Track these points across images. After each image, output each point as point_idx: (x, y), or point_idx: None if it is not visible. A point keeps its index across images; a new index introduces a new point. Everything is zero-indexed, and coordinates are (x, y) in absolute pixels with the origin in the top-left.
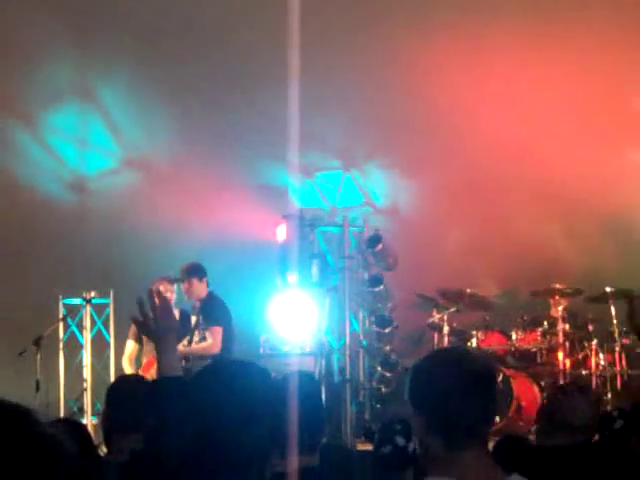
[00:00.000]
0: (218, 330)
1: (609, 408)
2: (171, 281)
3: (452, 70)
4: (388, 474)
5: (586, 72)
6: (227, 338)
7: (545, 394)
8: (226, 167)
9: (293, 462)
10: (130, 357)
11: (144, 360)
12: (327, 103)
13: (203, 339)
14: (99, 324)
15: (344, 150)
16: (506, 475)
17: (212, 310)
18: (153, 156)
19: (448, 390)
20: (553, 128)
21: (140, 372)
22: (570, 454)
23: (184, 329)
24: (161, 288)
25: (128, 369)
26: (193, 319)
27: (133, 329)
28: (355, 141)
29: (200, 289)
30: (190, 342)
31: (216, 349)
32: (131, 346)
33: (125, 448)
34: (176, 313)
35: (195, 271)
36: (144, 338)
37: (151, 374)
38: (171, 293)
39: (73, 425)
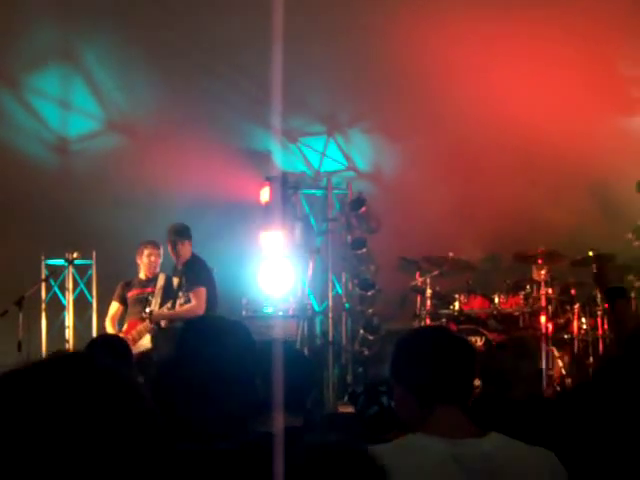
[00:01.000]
0: (202, 291)
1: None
2: (157, 245)
3: (437, 36)
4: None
5: (572, 38)
6: (210, 300)
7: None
8: (209, 130)
9: (278, 421)
10: (113, 318)
11: (127, 322)
12: (312, 67)
13: (188, 301)
14: (81, 285)
15: (328, 115)
16: (485, 432)
17: (195, 272)
18: (136, 118)
19: (424, 362)
20: (539, 93)
21: (122, 334)
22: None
23: (168, 294)
24: (146, 252)
25: (110, 330)
26: (175, 280)
27: (118, 290)
28: (339, 106)
29: (185, 250)
30: (174, 304)
31: (200, 310)
32: (115, 307)
33: None
34: (161, 278)
35: (181, 232)
36: (128, 300)
37: (132, 335)
38: (156, 257)
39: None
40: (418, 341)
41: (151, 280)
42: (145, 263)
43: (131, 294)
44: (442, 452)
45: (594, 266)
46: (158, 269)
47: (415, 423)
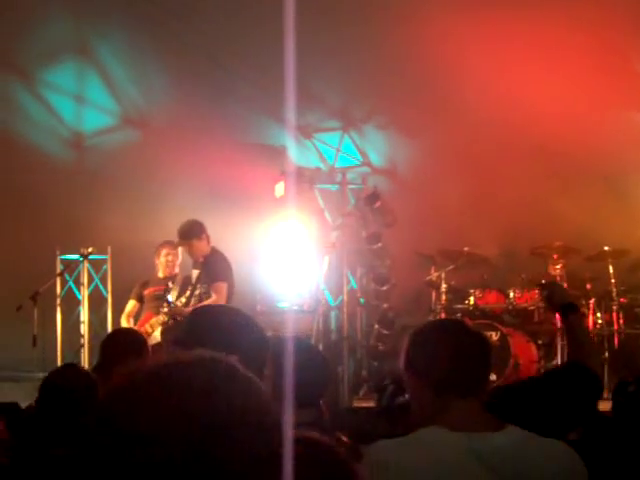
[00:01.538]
0: (222, 286)
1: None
2: (174, 245)
3: (452, 30)
4: (392, 427)
5: (586, 33)
6: (229, 294)
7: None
8: (224, 125)
9: (290, 416)
10: (129, 315)
11: (142, 316)
12: (326, 63)
13: (205, 294)
14: (96, 280)
15: (343, 110)
16: (501, 425)
17: (215, 266)
18: (151, 113)
19: (442, 354)
20: (553, 87)
21: (135, 327)
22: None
23: (186, 286)
24: (164, 252)
25: (125, 325)
26: (194, 273)
27: (136, 289)
28: (354, 102)
29: (201, 247)
30: (191, 296)
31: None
32: (131, 305)
33: None
34: (179, 278)
35: (190, 232)
36: (145, 297)
37: (145, 328)
38: (174, 257)
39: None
40: (435, 333)
41: (169, 279)
42: (162, 263)
43: (148, 292)
44: (458, 446)
45: (543, 292)
46: (177, 269)
47: (430, 416)
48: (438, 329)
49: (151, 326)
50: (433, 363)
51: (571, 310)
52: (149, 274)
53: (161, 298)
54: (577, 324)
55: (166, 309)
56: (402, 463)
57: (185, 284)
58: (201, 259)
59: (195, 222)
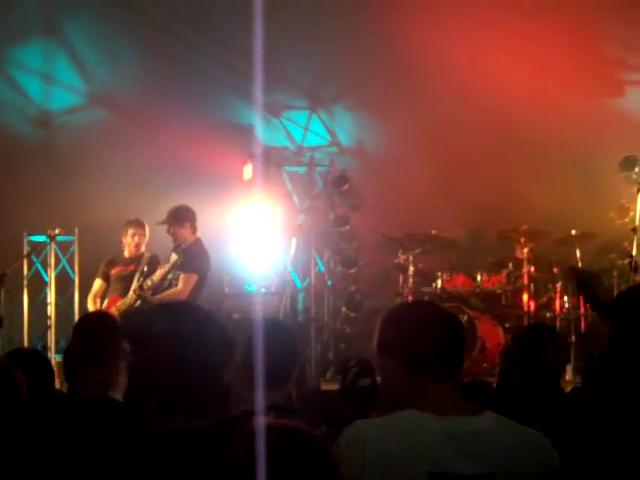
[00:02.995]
0: (192, 278)
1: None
2: (141, 224)
3: (421, 14)
4: (356, 411)
5: (557, 18)
6: (197, 287)
7: (515, 334)
8: (193, 104)
9: (261, 399)
10: (95, 295)
11: (108, 298)
12: (295, 42)
13: (175, 281)
14: (64, 262)
15: (311, 90)
16: (478, 410)
17: (194, 256)
18: (118, 92)
19: (415, 335)
20: (522, 72)
21: (105, 307)
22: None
23: (150, 272)
24: (130, 231)
25: (92, 307)
26: (172, 257)
27: (102, 268)
28: (323, 81)
29: (184, 235)
30: (163, 279)
31: (182, 296)
32: (98, 284)
33: (91, 382)
34: (146, 257)
35: (175, 217)
36: (111, 277)
37: (112, 312)
38: (140, 237)
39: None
40: (407, 315)
41: (135, 259)
42: (129, 242)
43: (114, 271)
44: (434, 429)
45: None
46: (143, 248)
47: (406, 399)
48: (411, 311)
49: (118, 309)
50: (407, 345)
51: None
52: (116, 254)
53: (128, 279)
54: None
55: (135, 291)
56: (378, 445)
57: (152, 264)
58: (183, 246)
59: (185, 209)
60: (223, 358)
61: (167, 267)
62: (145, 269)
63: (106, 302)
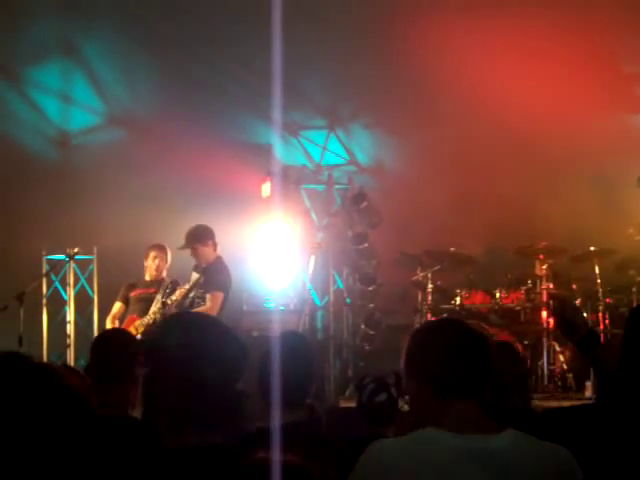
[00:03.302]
0: (219, 296)
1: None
2: (163, 248)
3: (438, 32)
4: (373, 428)
5: (574, 35)
6: (222, 305)
7: (528, 353)
8: (210, 123)
9: (277, 418)
10: (114, 317)
11: (127, 318)
12: (313, 61)
13: (199, 299)
14: (82, 280)
15: (329, 109)
16: (500, 428)
17: (217, 274)
18: (137, 112)
19: (442, 354)
20: (539, 89)
21: (124, 326)
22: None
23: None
24: (152, 254)
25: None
26: (194, 276)
27: (122, 291)
28: (340, 100)
29: (206, 253)
30: (185, 297)
31: (213, 314)
32: (117, 307)
33: (109, 400)
34: (167, 281)
35: (196, 237)
36: (131, 299)
37: (130, 331)
38: (161, 260)
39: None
40: (434, 333)
41: (155, 282)
42: (150, 265)
43: (134, 294)
44: (456, 447)
45: (555, 310)
46: (164, 273)
47: (429, 417)
48: (438, 329)
49: (136, 328)
50: (433, 364)
51: (593, 344)
52: (135, 274)
53: (148, 300)
54: (603, 359)
55: (159, 308)
56: (400, 464)
57: (173, 288)
58: (204, 264)
59: (204, 228)
60: (237, 372)
61: (189, 285)
62: (167, 291)
63: (124, 322)
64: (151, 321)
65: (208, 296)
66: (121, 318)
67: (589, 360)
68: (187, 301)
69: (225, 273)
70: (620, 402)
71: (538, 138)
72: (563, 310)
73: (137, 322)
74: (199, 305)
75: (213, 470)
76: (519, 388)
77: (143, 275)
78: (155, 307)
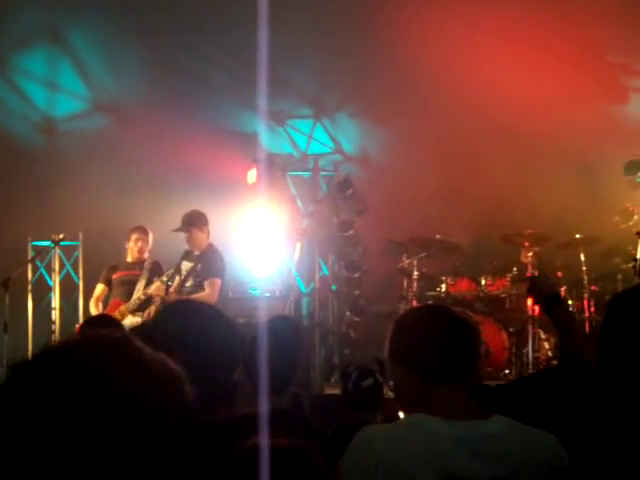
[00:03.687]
0: (218, 282)
1: None
2: (145, 230)
3: (423, 20)
4: (359, 413)
5: (560, 24)
6: (220, 292)
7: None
8: (197, 111)
9: (264, 403)
10: (97, 299)
11: (110, 302)
12: (299, 50)
13: (197, 287)
14: (68, 266)
15: (315, 97)
16: (488, 414)
17: (213, 261)
18: (123, 99)
19: (427, 340)
20: (525, 79)
21: (107, 311)
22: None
23: (152, 277)
24: (134, 236)
25: (94, 311)
26: (185, 265)
27: (104, 273)
28: (326, 89)
29: (200, 239)
30: (182, 285)
31: (213, 300)
32: (100, 289)
33: None
34: (148, 262)
35: (193, 221)
36: (113, 282)
37: (114, 316)
38: (144, 242)
39: None
40: (420, 319)
41: (137, 264)
42: (132, 248)
43: (116, 276)
44: (445, 433)
45: (529, 278)
46: (146, 254)
47: (417, 403)
48: (423, 315)
49: (120, 313)
50: (419, 350)
51: (554, 302)
52: (119, 259)
53: (130, 283)
54: (562, 315)
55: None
56: (389, 450)
57: (154, 269)
58: (197, 252)
59: (200, 213)
60: (234, 359)
61: (184, 275)
62: (148, 275)
63: (108, 306)
64: (136, 306)
65: (206, 283)
66: (104, 300)
67: (550, 316)
68: (184, 290)
69: (220, 259)
70: (600, 388)
71: (524, 127)
72: (533, 287)
73: (122, 307)
74: (197, 292)
75: (208, 452)
76: None
77: (125, 257)
78: (139, 291)
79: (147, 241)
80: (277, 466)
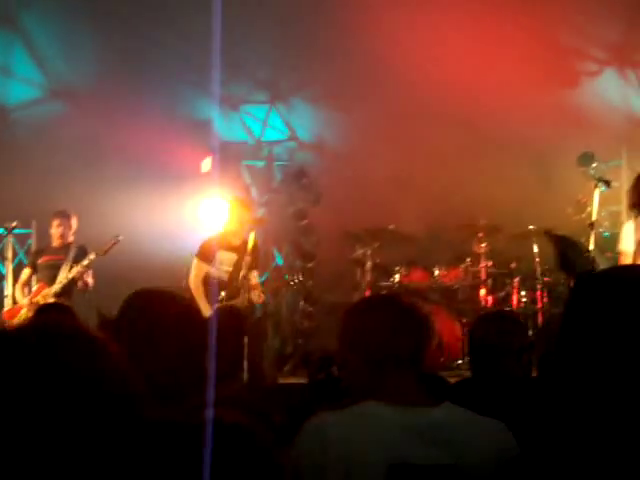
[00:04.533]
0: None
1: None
2: (66, 215)
3: (381, 6)
4: (326, 400)
5: (513, 9)
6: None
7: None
8: (151, 97)
9: (211, 392)
10: (23, 283)
11: (36, 286)
12: (254, 34)
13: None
14: (21, 255)
15: (270, 82)
16: (438, 401)
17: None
18: (77, 86)
19: (376, 328)
20: (481, 65)
21: (29, 299)
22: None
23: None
24: (55, 222)
25: (19, 295)
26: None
27: (30, 258)
28: (281, 73)
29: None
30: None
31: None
32: (26, 273)
33: None
34: (74, 247)
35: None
36: (39, 266)
37: (37, 300)
38: (65, 227)
39: None
40: (369, 308)
41: (62, 248)
42: (54, 233)
43: (42, 260)
44: (392, 419)
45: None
46: (70, 238)
47: (368, 391)
48: (373, 304)
49: (44, 297)
50: (368, 338)
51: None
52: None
53: (55, 268)
54: None
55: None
56: (340, 436)
57: (79, 253)
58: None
59: None
60: (199, 347)
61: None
62: (72, 258)
63: (34, 290)
64: (59, 290)
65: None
66: (29, 284)
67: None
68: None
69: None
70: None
71: (480, 115)
72: (564, 248)
73: (45, 290)
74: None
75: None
76: (519, 358)
77: (50, 242)
78: (63, 274)
79: (69, 226)
80: (221, 441)
